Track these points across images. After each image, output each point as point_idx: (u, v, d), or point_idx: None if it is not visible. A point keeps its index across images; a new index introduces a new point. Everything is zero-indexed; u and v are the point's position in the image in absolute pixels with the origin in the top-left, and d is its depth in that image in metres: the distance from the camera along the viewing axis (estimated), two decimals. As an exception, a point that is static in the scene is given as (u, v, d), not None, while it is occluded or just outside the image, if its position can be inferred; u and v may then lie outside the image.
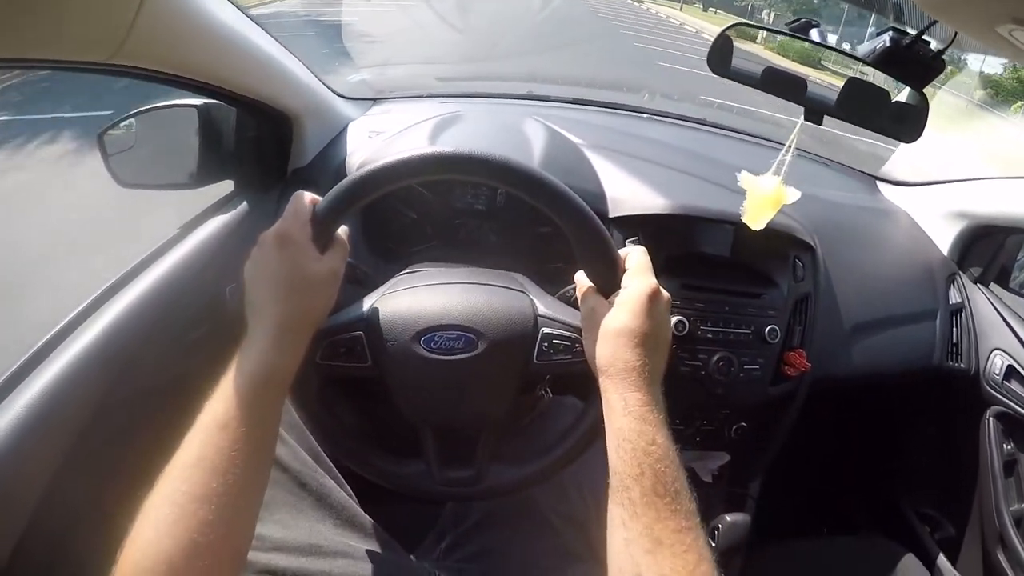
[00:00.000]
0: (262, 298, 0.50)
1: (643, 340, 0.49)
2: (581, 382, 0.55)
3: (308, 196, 0.54)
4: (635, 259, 0.54)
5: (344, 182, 0.52)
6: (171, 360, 0.76)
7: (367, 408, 0.62)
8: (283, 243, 0.51)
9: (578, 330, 0.56)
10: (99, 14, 0.54)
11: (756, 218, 0.66)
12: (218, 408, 0.46)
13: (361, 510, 0.67)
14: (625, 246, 0.83)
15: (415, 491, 0.60)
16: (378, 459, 0.60)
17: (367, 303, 0.58)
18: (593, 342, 0.52)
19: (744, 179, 0.66)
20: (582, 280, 0.56)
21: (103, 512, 0.68)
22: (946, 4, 0.40)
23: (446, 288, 0.58)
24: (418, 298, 0.57)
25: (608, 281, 0.53)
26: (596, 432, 0.54)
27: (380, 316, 0.56)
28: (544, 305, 0.58)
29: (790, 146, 0.67)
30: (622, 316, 0.50)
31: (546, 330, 0.56)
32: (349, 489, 0.68)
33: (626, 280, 0.53)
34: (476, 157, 0.50)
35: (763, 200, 0.64)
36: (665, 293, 0.53)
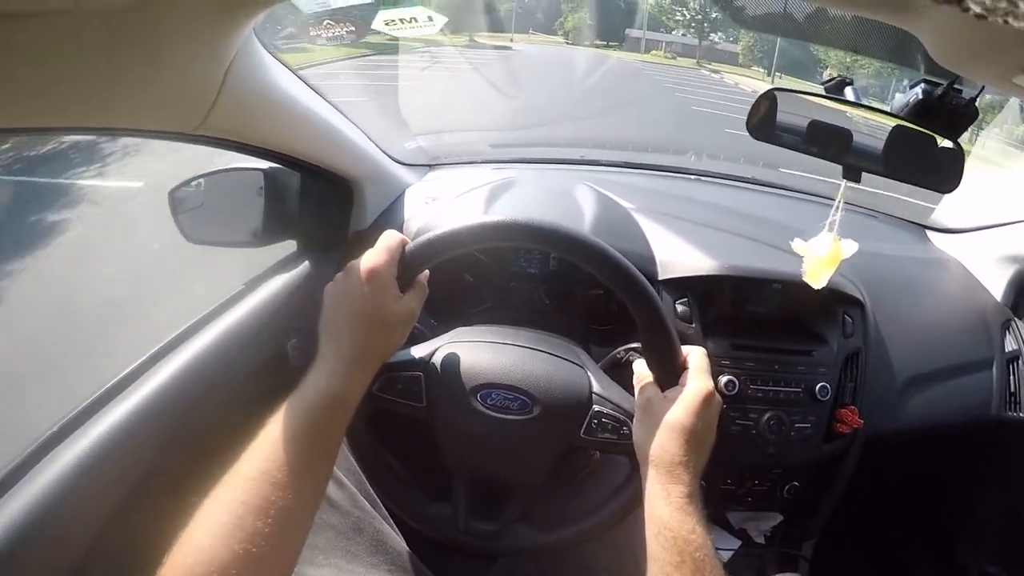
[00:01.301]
0: (340, 324, 0.53)
1: (693, 438, 0.51)
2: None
3: (399, 236, 0.56)
4: (696, 359, 0.56)
5: (438, 233, 0.55)
6: (232, 413, 0.79)
7: (408, 446, 0.64)
8: (370, 277, 0.53)
9: (629, 415, 0.58)
10: (186, 91, 0.59)
11: (817, 277, 0.67)
12: (283, 425, 0.48)
13: (415, 559, 0.68)
14: (675, 307, 0.85)
15: (437, 533, 0.61)
16: (408, 495, 0.62)
17: (430, 347, 0.60)
18: (644, 432, 0.54)
19: (798, 246, 0.67)
20: (641, 370, 0.58)
21: (155, 556, 0.71)
22: (959, 62, 0.41)
23: (509, 349, 0.61)
24: (481, 353, 0.59)
25: (669, 377, 0.55)
26: (637, 501, 0.55)
27: (442, 363, 0.59)
28: (600, 384, 0.60)
29: (838, 206, 0.69)
30: (678, 413, 0.52)
31: (597, 408, 0.58)
32: (402, 539, 0.70)
33: (686, 378, 0.55)
34: (574, 239, 0.53)
35: (821, 259, 0.65)
36: (718, 397, 0.55)
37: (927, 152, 0.83)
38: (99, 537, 0.60)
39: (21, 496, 0.55)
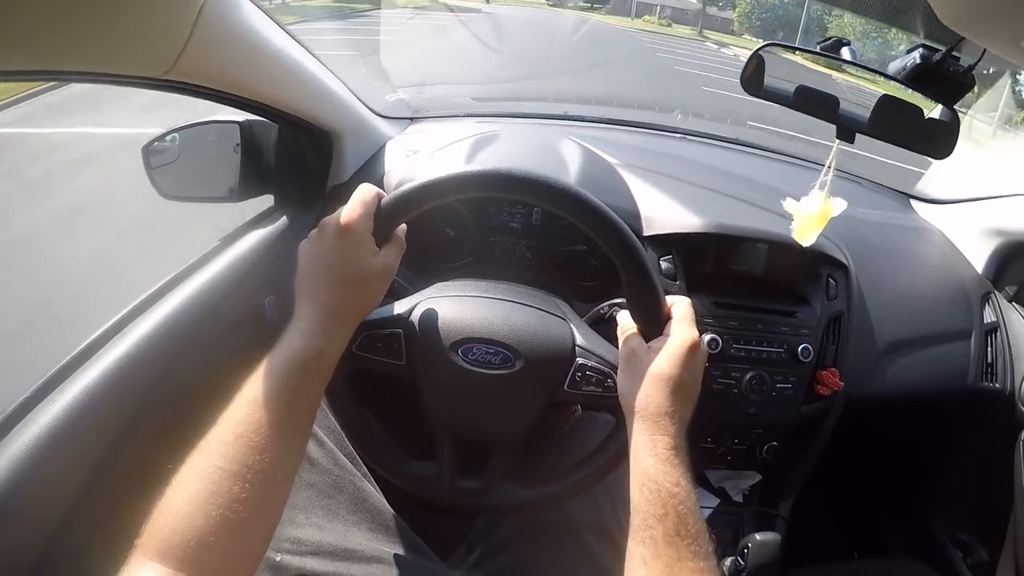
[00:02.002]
0: (316, 282, 0.52)
1: (678, 388, 0.51)
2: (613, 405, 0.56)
3: (374, 190, 0.55)
4: (680, 309, 0.55)
5: (413, 185, 0.53)
6: (208, 369, 0.78)
7: (390, 405, 0.63)
8: (345, 232, 0.51)
9: (613, 366, 0.57)
10: (155, 32, 0.56)
11: (806, 235, 0.67)
12: (260, 386, 0.47)
13: (396, 515, 0.68)
14: (660, 264, 0.84)
15: (422, 492, 0.61)
16: (392, 455, 0.61)
17: (409, 303, 0.59)
18: (629, 382, 0.53)
19: (789, 205, 0.67)
20: (625, 321, 0.58)
21: (134, 517, 0.70)
22: (970, 22, 0.40)
23: (490, 303, 0.59)
24: (462, 308, 0.58)
25: (653, 327, 0.55)
26: (620, 457, 0.55)
27: (422, 318, 0.57)
28: (583, 336, 0.59)
29: (830, 166, 0.68)
30: (662, 363, 0.52)
31: (581, 360, 0.57)
32: (382, 496, 0.69)
33: (671, 328, 0.54)
34: (552, 186, 0.52)
35: (811, 217, 0.65)
36: (703, 347, 0.55)
37: (914, 120, 0.83)
38: (77, 499, 0.60)
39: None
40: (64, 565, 0.59)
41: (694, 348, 0.53)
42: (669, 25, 21.85)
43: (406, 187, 0.53)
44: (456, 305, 0.59)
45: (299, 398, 0.48)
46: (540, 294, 0.64)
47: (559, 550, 0.68)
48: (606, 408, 0.58)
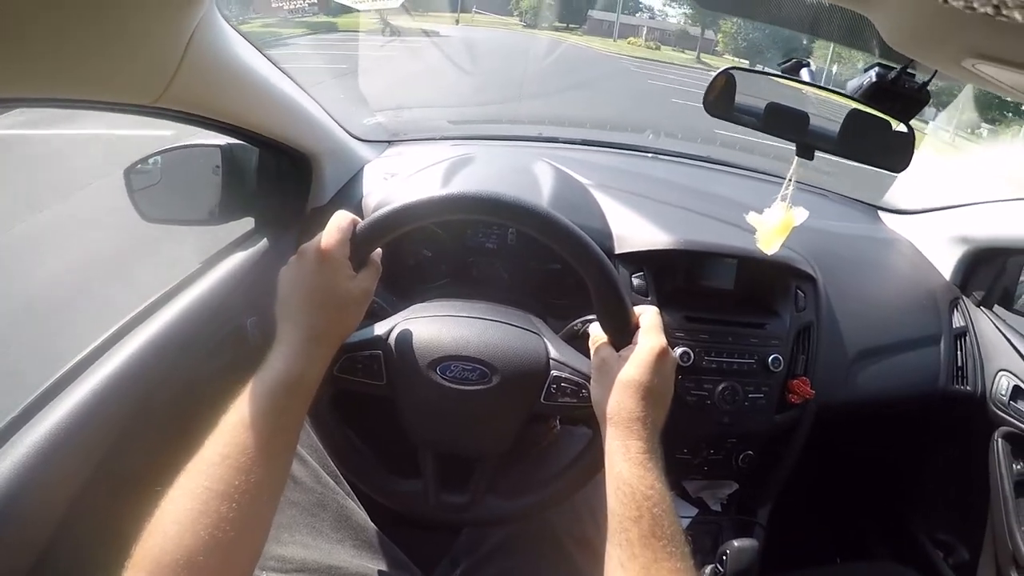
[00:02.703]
0: (295, 307, 0.53)
1: (648, 393, 0.52)
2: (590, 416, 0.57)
3: (349, 216, 0.57)
4: (648, 318, 0.57)
5: (388, 209, 0.55)
6: (192, 389, 0.79)
7: (373, 425, 0.64)
8: (323, 258, 0.53)
9: (586, 377, 0.59)
10: (147, 60, 0.58)
11: (770, 244, 0.69)
12: (244, 409, 0.48)
13: (379, 532, 0.69)
14: (632, 281, 0.86)
15: (408, 509, 0.62)
16: (377, 474, 0.62)
17: (387, 325, 0.61)
18: (602, 390, 0.55)
19: (752, 218, 0.69)
20: (596, 333, 0.59)
21: (119, 536, 0.70)
22: (913, 44, 0.43)
23: (467, 321, 0.61)
24: (438, 327, 0.60)
25: (622, 336, 0.56)
26: (597, 466, 0.56)
27: (400, 339, 0.59)
28: (556, 350, 0.61)
29: (790, 179, 0.71)
30: (631, 370, 0.53)
31: (556, 373, 0.59)
32: (365, 513, 0.70)
33: (639, 337, 0.56)
34: (519, 206, 0.54)
35: (774, 227, 0.67)
36: (673, 354, 0.56)
37: (881, 135, 0.86)
38: (62, 524, 0.60)
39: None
40: (60, 573, 0.59)
41: (663, 355, 0.54)
42: (657, 48, 21.02)
43: (380, 212, 0.55)
44: (432, 325, 0.60)
45: (283, 420, 0.49)
46: (514, 312, 0.66)
47: (541, 561, 0.69)
48: (582, 420, 0.60)
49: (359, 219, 0.56)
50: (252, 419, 0.47)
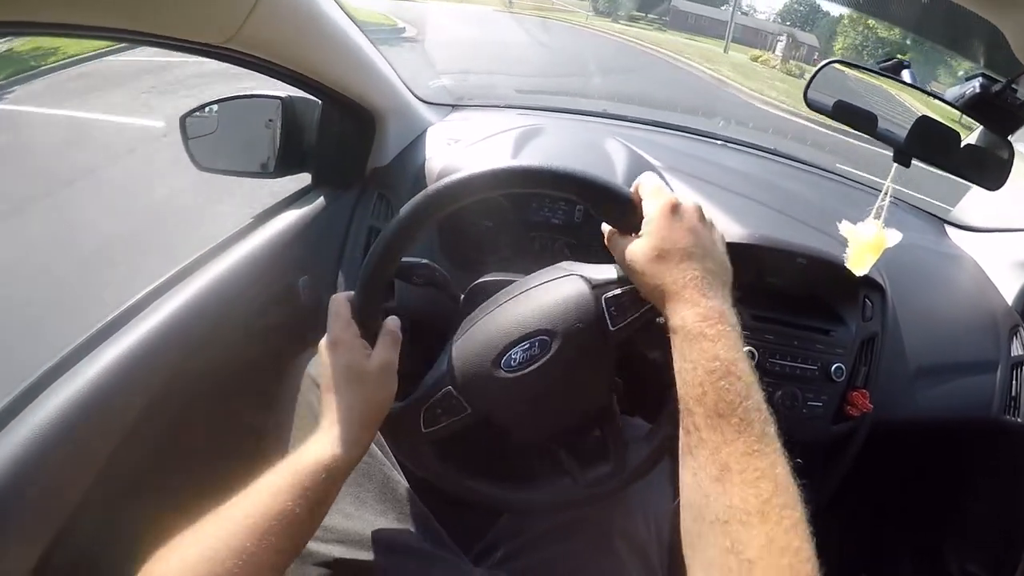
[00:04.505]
0: (326, 399, 0.54)
1: (682, 254, 0.48)
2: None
3: (340, 297, 0.57)
4: (646, 184, 0.53)
5: (362, 271, 0.55)
6: (240, 344, 0.77)
7: (488, 450, 0.62)
8: (334, 347, 0.54)
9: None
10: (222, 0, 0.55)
11: (860, 264, 0.66)
12: (276, 480, 0.48)
13: (423, 506, 0.67)
14: None
15: (565, 504, 0.60)
16: (515, 491, 0.60)
17: (443, 360, 0.58)
18: (640, 279, 0.51)
19: (845, 229, 0.66)
20: (606, 229, 0.55)
21: (144, 517, 0.69)
22: None
23: (504, 307, 0.58)
24: (483, 329, 0.57)
25: (627, 219, 0.52)
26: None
27: (459, 363, 0.57)
28: (595, 273, 0.57)
29: (887, 192, 0.67)
30: (648, 242, 0.49)
31: (607, 295, 0.55)
32: (408, 485, 0.68)
33: (644, 208, 0.52)
34: (460, 181, 0.52)
35: (866, 246, 0.64)
36: (689, 201, 0.52)
37: (951, 146, 0.83)
38: (106, 465, 0.59)
39: (28, 422, 0.53)
40: (66, 569, 0.58)
41: (672, 210, 0.50)
42: (800, 76, 11.22)
43: (359, 280, 0.55)
44: (478, 330, 0.58)
45: (311, 499, 0.49)
46: (546, 269, 0.62)
47: (588, 553, 0.67)
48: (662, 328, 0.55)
49: (350, 293, 0.57)
50: (278, 489, 0.48)
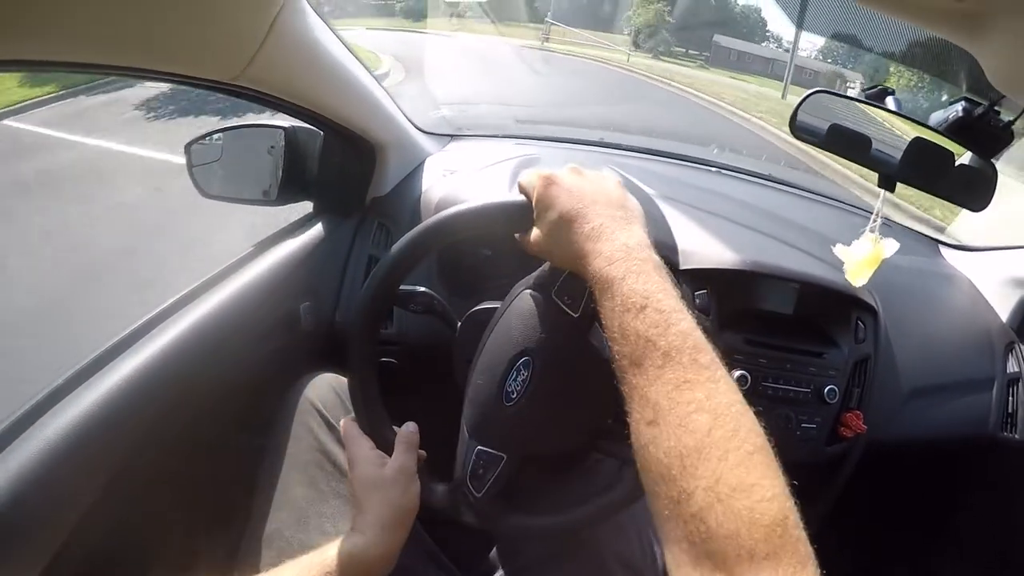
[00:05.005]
0: (359, 508, 0.56)
1: (568, 215, 0.48)
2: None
3: (347, 421, 0.62)
4: (523, 180, 0.54)
5: (350, 392, 0.61)
6: (242, 370, 0.78)
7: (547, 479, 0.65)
8: (352, 464, 0.58)
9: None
10: (230, 38, 0.58)
11: (858, 275, 0.68)
12: (306, 570, 0.51)
13: (422, 528, 0.68)
14: (694, 298, 0.84)
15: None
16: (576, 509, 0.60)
17: (462, 421, 0.61)
18: (553, 259, 0.54)
19: (840, 251, 0.68)
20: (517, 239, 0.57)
21: (161, 511, 0.70)
22: (1015, 83, 0.41)
23: (487, 347, 0.60)
24: (480, 373, 0.59)
25: (520, 220, 0.54)
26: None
27: (474, 416, 0.59)
28: (537, 278, 0.59)
29: (878, 214, 0.69)
30: (539, 222, 0.51)
31: (555, 289, 0.56)
32: None
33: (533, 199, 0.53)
34: (383, 270, 0.58)
35: (864, 260, 0.66)
36: (565, 170, 0.52)
37: (945, 165, 0.84)
38: (108, 485, 0.60)
39: (24, 449, 0.54)
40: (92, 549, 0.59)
41: (547, 183, 0.50)
42: None
43: (350, 398, 0.61)
44: (475, 380, 0.60)
45: None
46: (508, 295, 0.63)
47: None
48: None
49: (350, 418, 0.62)
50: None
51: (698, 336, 0.40)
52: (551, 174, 0.51)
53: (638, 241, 0.46)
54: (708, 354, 0.39)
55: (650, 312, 0.40)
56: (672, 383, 0.37)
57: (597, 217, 0.47)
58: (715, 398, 0.37)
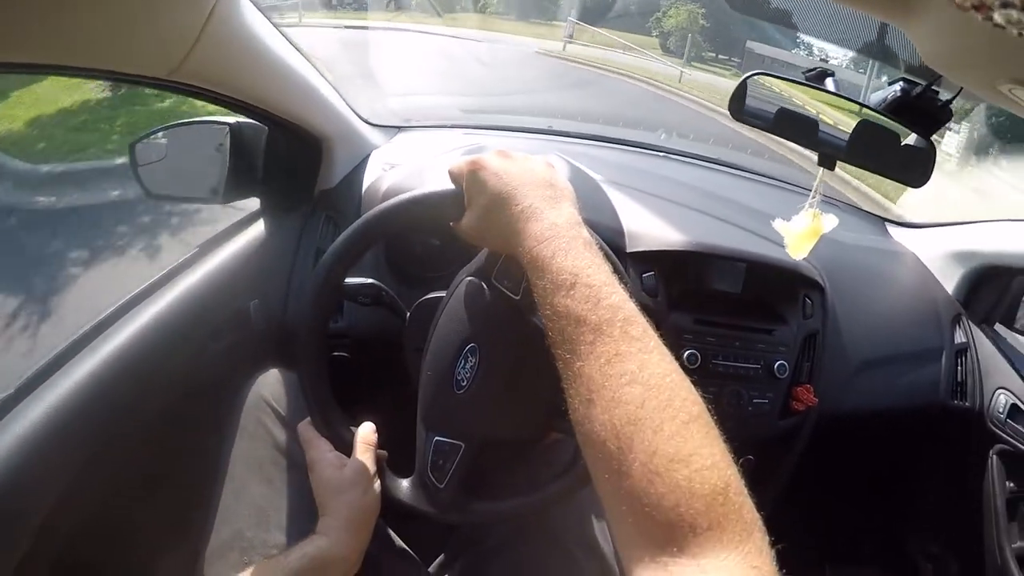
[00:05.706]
0: (322, 511, 0.57)
1: (496, 199, 0.48)
2: None
3: (304, 424, 0.62)
4: (452, 169, 0.54)
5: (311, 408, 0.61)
6: (193, 369, 0.77)
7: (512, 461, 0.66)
8: (311, 468, 0.59)
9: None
10: (165, 32, 0.57)
11: (799, 249, 0.69)
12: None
13: (382, 520, 0.68)
14: (641, 280, 0.85)
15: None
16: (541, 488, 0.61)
17: (419, 413, 0.61)
18: (487, 245, 0.55)
19: (779, 225, 0.69)
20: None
21: (120, 514, 0.69)
22: (950, 63, 0.42)
23: (435, 336, 0.60)
24: (430, 364, 0.59)
25: (452, 207, 0.54)
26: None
27: (428, 407, 0.59)
28: (476, 265, 0.59)
29: (816, 191, 0.70)
30: (470, 208, 0.52)
31: (494, 275, 0.57)
32: None
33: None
34: (327, 263, 0.57)
35: (803, 233, 0.67)
36: (491, 154, 0.52)
37: (891, 146, 0.86)
38: (54, 509, 0.59)
39: None
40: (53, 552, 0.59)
41: (475, 167, 0.51)
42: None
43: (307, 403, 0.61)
44: (426, 370, 0.60)
45: None
46: (451, 284, 0.63)
47: (546, 562, 0.68)
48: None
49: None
50: None
51: (630, 308, 0.40)
52: (478, 158, 0.51)
53: (567, 219, 0.46)
54: (640, 326, 0.39)
55: (580, 288, 0.40)
56: (604, 357, 0.37)
57: (526, 198, 0.47)
58: (648, 369, 0.36)
